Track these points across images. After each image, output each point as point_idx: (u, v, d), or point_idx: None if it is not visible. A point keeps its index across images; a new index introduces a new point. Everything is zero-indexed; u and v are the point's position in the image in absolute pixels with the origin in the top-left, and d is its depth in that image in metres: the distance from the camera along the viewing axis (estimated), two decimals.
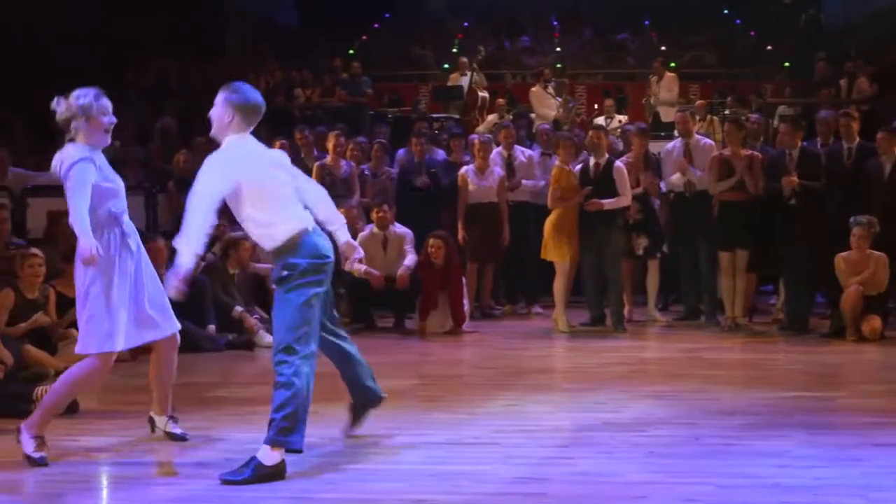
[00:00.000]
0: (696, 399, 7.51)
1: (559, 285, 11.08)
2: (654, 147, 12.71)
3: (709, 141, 12.00)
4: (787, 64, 20.68)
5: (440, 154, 13.73)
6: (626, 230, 11.30)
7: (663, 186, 11.84)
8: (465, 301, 11.45)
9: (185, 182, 13.06)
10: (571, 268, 11.16)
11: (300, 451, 5.55)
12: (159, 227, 12.85)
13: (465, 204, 12.09)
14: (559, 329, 10.97)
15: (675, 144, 11.77)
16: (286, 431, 5.49)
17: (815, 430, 6.48)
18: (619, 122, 16.43)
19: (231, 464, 5.61)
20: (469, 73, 18.32)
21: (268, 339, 10.27)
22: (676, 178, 11.48)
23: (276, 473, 5.46)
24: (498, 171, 12.36)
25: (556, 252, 11.06)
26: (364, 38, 23.94)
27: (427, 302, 11.19)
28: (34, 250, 8.93)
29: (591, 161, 11.22)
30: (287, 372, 5.52)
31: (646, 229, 11.54)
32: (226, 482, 5.42)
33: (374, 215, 11.58)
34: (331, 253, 5.83)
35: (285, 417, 5.48)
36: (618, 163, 11.13)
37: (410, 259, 11.33)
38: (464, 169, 12.34)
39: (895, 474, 5.48)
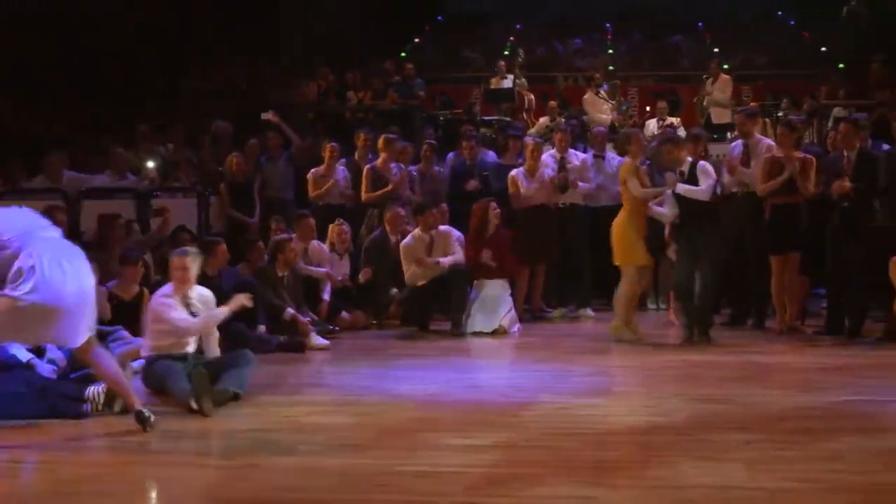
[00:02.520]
0: (747, 403, 7.44)
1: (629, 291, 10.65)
2: (711, 149, 12.69)
3: (770, 141, 11.80)
4: (841, 65, 20.48)
5: (491, 156, 13.76)
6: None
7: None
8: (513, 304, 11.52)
9: (238, 184, 13.30)
10: (641, 273, 10.76)
11: None
12: (211, 228, 12.95)
13: (517, 206, 12.11)
14: (622, 338, 10.56)
15: (736, 145, 11.70)
16: None
17: (869, 434, 6.41)
18: (672, 124, 16.36)
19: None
20: (510, 76, 18.33)
21: (320, 341, 10.37)
22: (729, 181, 11.35)
23: None
24: (549, 172, 12.37)
25: (628, 255, 10.56)
26: (417, 40, 23.98)
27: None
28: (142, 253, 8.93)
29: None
30: None
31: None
32: None
33: (418, 218, 11.61)
34: None
35: None
36: (701, 162, 10.55)
37: (456, 257, 11.36)
38: (514, 171, 12.36)
39: None
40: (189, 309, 7.93)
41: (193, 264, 8.02)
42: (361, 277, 11.98)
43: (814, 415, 7.03)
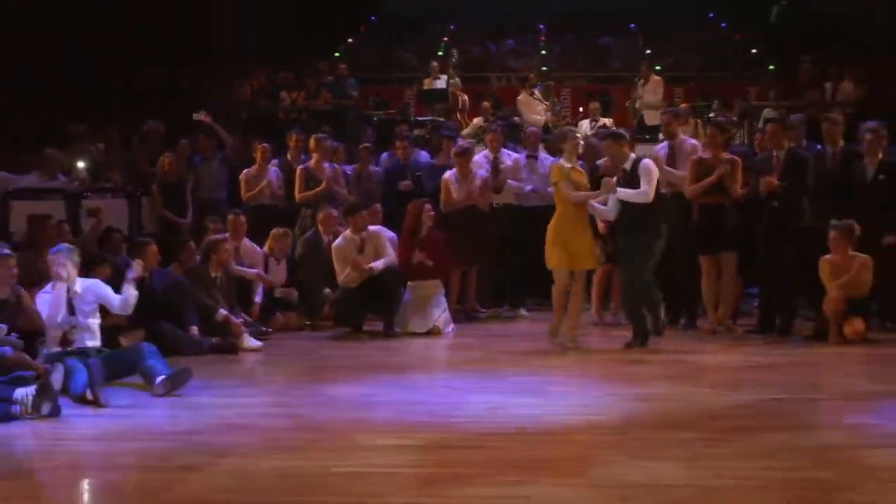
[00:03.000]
0: (681, 402, 7.51)
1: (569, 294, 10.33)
2: (640, 150, 12.73)
3: (694, 142, 11.98)
4: (771, 67, 20.71)
5: (424, 156, 13.80)
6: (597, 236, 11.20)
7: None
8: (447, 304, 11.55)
9: (169, 185, 13.20)
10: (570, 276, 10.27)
11: None
12: (143, 229, 12.84)
13: (445, 210, 12.13)
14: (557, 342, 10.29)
15: (661, 147, 11.79)
16: None
17: (799, 431, 6.50)
18: (605, 125, 16.46)
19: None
20: (443, 77, 18.37)
21: (253, 342, 10.31)
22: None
23: None
24: (482, 173, 12.41)
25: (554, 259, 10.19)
26: (350, 40, 23.92)
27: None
28: (7, 251, 8.90)
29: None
30: None
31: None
32: None
33: (348, 221, 11.57)
34: None
35: None
36: (645, 161, 10.24)
37: (389, 258, 11.35)
38: (446, 175, 12.39)
39: (880, 476, 5.49)
40: (71, 304, 8.27)
41: (68, 262, 8.33)
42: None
43: (746, 413, 7.11)
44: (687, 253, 11.15)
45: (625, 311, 10.68)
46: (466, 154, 12.37)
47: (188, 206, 13.36)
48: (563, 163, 10.29)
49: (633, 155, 10.27)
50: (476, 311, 12.55)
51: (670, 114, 12.13)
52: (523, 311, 12.56)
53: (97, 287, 8.55)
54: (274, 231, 12.11)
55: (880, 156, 11.22)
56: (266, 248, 12.10)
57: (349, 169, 13.46)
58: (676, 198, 11.28)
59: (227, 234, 11.62)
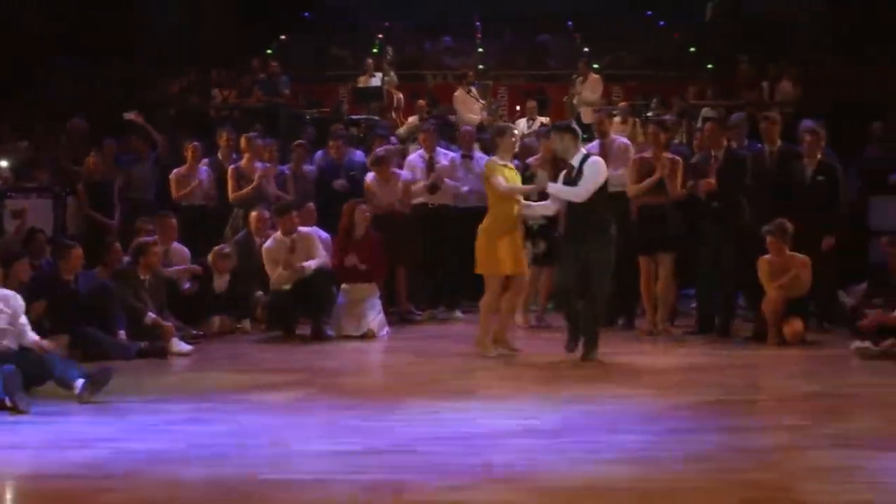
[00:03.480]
0: (619, 404, 7.53)
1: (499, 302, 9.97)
2: None
3: (624, 140, 12.08)
4: (709, 66, 20.88)
5: (359, 156, 13.74)
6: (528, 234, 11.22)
7: None
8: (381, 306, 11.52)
9: (96, 185, 13.04)
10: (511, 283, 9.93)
11: None
12: (67, 230, 12.67)
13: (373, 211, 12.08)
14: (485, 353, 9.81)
15: (592, 146, 11.78)
16: None
17: (737, 434, 6.54)
18: (542, 124, 16.50)
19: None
20: (378, 74, 18.33)
21: (183, 346, 10.20)
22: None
23: None
24: (404, 174, 12.41)
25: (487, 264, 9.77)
26: (283, 37, 23.79)
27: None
28: None
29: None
30: None
31: (546, 234, 11.42)
32: None
33: (279, 222, 11.49)
34: None
35: None
36: (593, 158, 9.69)
37: (321, 259, 11.29)
38: (368, 177, 12.37)
39: (818, 478, 5.54)
40: None
41: None
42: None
43: (686, 415, 7.14)
44: (627, 253, 11.19)
45: (583, 324, 9.50)
46: (382, 162, 12.32)
47: (115, 207, 13.20)
48: (497, 159, 9.87)
49: (583, 150, 9.64)
50: (411, 313, 12.52)
51: (603, 112, 12.17)
52: (458, 313, 12.54)
53: (15, 300, 8.38)
54: (217, 250, 11.84)
55: (818, 156, 11.34)
56: (209, 259, 11.88)
57: (286, 168, 13.36)
58: (612, 198, 11.31)
59: (156, 237, 11.48)
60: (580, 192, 9.32)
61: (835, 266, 11.32)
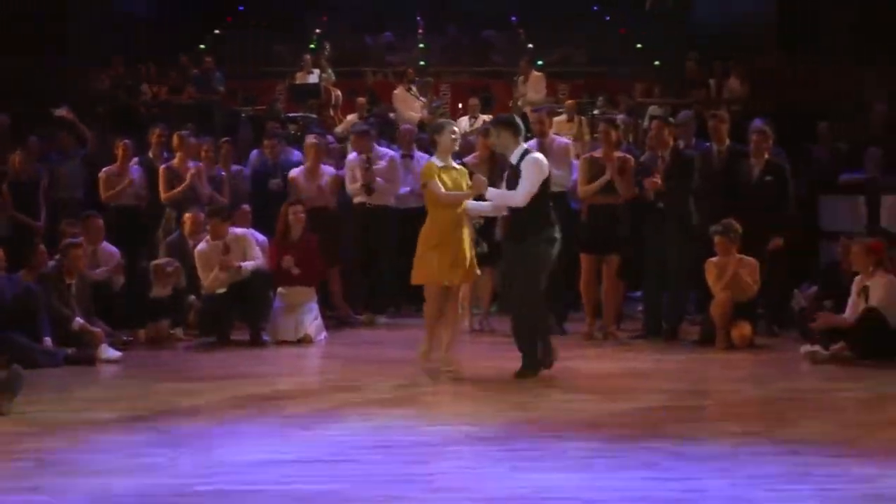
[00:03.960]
0: (561, 410, 7.58)
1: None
2: None
3: (564, 140, 12.12)
4: (656, 63, 21.04)
5: (296, 155, 13.69)
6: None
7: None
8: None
9: (21, 184, 12.90)
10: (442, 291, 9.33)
11: None
12: None
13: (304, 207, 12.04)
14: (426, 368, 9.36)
15: (531, 145, 11.75)
16: None
17: (683, 441, 6.58)
18: (485, 122, 16.50)
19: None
20: (316, 71, 18.29)
21: (112, 353, 10.12)
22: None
23: None
24: (329, 170, 12.42)
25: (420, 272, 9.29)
26: (217, 31, 23.67)
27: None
28: None
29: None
30: None
31: (487, 235, 10.87)
32: None
33: (210, 225, 11.43)
34: None
35: None
36: (533, 155, 9.29)
37: (258, 262, 11.25)
38: (293, 171, 12.36)
39: (765, 485, 5.59)
40: None
41: None
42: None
43: (630, 422, 7.18)
44: (567, 254, 11.24)
45: (513, 334, 9.19)
46: (317, 150, 12.34)
47: (41, 207, 13.07)
48: (436, 161, 9.35)
49: (523, 146, 9.16)
50: (349, 317, 12.50)
51: (543, 111, 12.23)
52: (382, 318, 12.48)
53: None
54: (162, 265, 11.64)
55: (766, 156, 11.45)
56: (151, 268, 11.77)
57: (222, 171, 13.26)
58: (556, 198, 11.36)
59: (82, 238, 11.37)
60: (518, 198, 8.86)
61: (785, 268, 11.45)
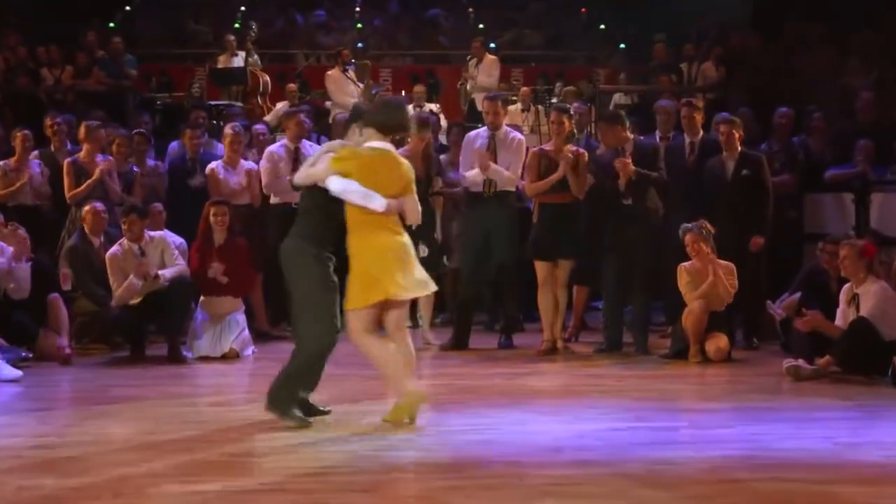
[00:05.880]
0: (517, 432, 7.59)
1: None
2: None
3: (518, 135, 12.00)
4: (622, 46, 21.13)
5: (220, 148, 13.61)
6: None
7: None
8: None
9: None
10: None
11: None
12: None
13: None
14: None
15: (478, 133, 11.77)
16: None
17: (654, 466, 6.60)
18: (430, 111, 16.53)
19: None
20: (241, 53, 18.22)
21: (8, 372, 9.96)
22: (474, 174, 11.47)
23: None
24: (248, 164, 12.40)
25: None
26: (128, 8, 23.53)
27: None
28: None
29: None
30: None
31: (424, 236, 10.78)
32: None
33: (124, 226, 11.35)
34: None
35: None
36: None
37: (179, 268, 11.20)
38: (213, 164, 12.35)
39: None
40: None
41: None
42: (63, 282, 11.65)
43: (593, 445, 7.20)
44: (507, 258, 11.28)
45: None
46: (236, 139, 12.34)
47: None
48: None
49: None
50: (269, 330, 12.46)
51: (497, 100, 11.98)
52: None
53: None
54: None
55: (739, 148, 11.50)
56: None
57: (135, 166, 13.16)
58: (499, 197, 11.38)
59: None
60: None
61: (765, 272, 11.53)
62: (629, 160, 10.80)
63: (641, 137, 11.68)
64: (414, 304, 10.89)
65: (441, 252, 11.63)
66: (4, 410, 9.01)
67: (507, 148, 11.52)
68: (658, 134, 12.39)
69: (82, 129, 12.90)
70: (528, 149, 11.59)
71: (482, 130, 11.73)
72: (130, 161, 13.14)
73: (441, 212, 12.00)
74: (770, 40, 18.27)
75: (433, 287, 8.03)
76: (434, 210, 11.57)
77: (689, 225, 10.66)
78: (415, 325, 11.81)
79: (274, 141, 13.71)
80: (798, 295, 11.15)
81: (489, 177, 11.31)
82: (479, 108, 16.94)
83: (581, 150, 11.22)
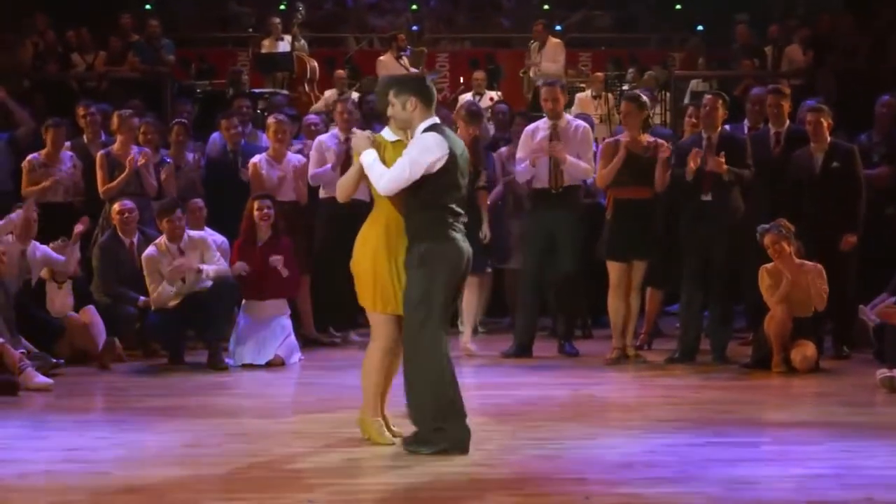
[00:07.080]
0: (584, 448, 7.59)
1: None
2: None
3: (582, 123, 11.83)
4: (699, 27, 21.04)
5: (265, 140, 13.64)
6: None
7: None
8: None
9: None
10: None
11: None
12: None
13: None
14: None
15: (537, 126, 11.67)
16: None
17: (733, 485, 6.60)
18: (491, 100, 16.53)
19: None
20: (286, 38, 18.28)
21: (40, 379, 10.06)
22: (523, 168, 11.41)
23: None
24: (297, 158, 12.39)
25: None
26: None
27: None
28: None
29: None
30: None
31: (468, 236, 10.83)
32: None
33: (162, 224, 11.43)
34: None
35: None
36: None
37: (220, 267, 11.26)
38: (256, 158, 12.33)
39: None
40: None
41: None
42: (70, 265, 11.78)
43: (666, 461, 7.20)
44: (575, 260, 11.28)
45: None
46: (281, 129, 12.35)
47: None
48: (387, 133, 7.99)
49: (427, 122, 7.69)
50: (327, 334, 12.50)
51: (556, 85, 11.87)
52: (354, 336, 12.37)
53: None
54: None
55: (829, 139, 11.41)
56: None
57: (168, 157, 13.20)
58: (570, 192, 11.36)
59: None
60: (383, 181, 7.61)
61: (856, 275, 11.44)
62: (722, 159, 10.72)
63: (727, 127, 11.60)
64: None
65: (486, 252, 11.55)
66: (34, 421, 9.09)
67: (572, 138, 11.41)
68: (747, 124, 12.30)
69: (115, 119, 12.91)
70: (602, 139, 11.55)
71: (541, 122, 11.64)
72: (162, 152, 13.16)
73: (484, 210, 11.79)
74: (863, 21, 18.13)
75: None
76: (479, 207, 11.48)
77: (767, 226, 10.58)
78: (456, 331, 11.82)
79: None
80: (894, 299, 11.09)
81: (564, 170, 11.26)
82: None
83: (660, 141, 11.11)
